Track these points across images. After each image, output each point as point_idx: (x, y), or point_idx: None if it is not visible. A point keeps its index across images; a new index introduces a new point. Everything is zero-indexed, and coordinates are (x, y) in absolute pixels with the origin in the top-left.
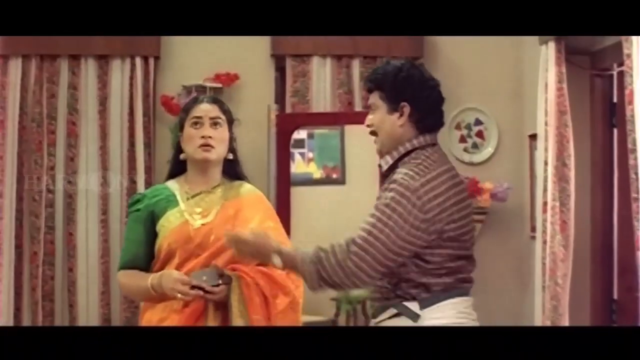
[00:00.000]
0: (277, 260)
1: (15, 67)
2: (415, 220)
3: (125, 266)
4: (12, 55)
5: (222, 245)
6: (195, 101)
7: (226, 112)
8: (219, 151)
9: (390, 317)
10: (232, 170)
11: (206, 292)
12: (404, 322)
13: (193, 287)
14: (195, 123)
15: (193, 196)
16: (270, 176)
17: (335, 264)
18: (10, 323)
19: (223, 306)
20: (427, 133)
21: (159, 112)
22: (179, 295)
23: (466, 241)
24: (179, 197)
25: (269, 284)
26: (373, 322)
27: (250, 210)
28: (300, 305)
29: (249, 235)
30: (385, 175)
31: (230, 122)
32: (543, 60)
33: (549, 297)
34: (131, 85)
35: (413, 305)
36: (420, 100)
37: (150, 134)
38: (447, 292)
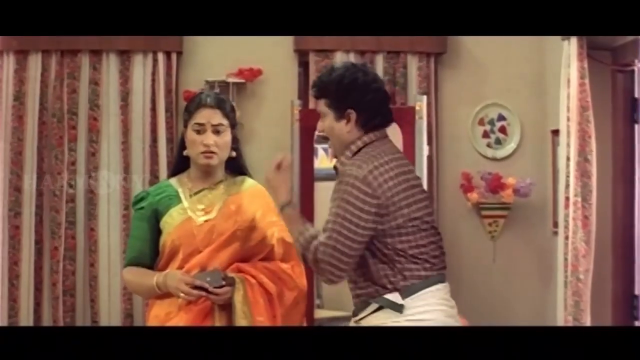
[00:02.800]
0: (286, 209)
1: (34, 62)
2: (371, 207)
3: (130, 263)
4: (32, 50)
5: (224, 241)
6: (199, 103)
7: (229, 116)
8: (221, 156)
9: (372, 312)
10: (235, 166)
11: (209, 292)
12: (386, 314)
13: (196, 287)
14: (198, 130)
15: (196, 193)
16: (293, 171)
17: (312, 261)
18: (30, 318)
19: (228, 307)
20: (374, 131)
21: (182, 108)
22: (182, 295)
23: (429, 227)
24: (182, 195)
25: (273, 282)
26: (353, 321)
27: (252, 204)
28: (305, 295)
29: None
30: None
31: (233, 125)
32: (565, 55)
33: (570, 292)
34: (153, 80)
35: (394, 297)
36: (364, 104)
37: (173, 130)
38: (426, 280)
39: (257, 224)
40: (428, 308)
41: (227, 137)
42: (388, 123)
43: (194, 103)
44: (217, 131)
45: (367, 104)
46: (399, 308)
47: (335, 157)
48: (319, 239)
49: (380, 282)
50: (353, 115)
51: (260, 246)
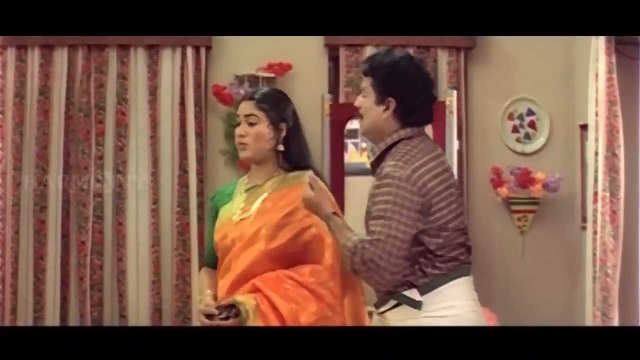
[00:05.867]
0: (332, 219)
1: (60, 57)
2: (417, 205)
3: (205, 263)
4: (58, 45)
5: (247, 240)
6: (243, 99)
7: (263, 108)
8: (255, 147)
9: (391, 308)
10: (289, 162)
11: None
12: (405, 311)
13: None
14: (238, 122)
15: (247, 190)
16: (324, 166)
17: (359, 264)
18: (57, 312)
19: None
20: (412, 126)
21: (211, 102)
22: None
23: (461, 229)
24: (236, 192)
25: (292, 298)
26: (376, 312)
27: (290, 201)
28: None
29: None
30: (373, 166)
31: (277, 118)
32: (593, 50)
33: (599, 287)
34: (182, 75)
35: (412, 293)
36: (407, 98)
37: (202, 124)
38: (445, 276)
39: (289, 221)
40: (448, 304)
41: (259, 128)
42: (428, 122)
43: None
44: (249, 122)
45: (410, 98)
46: (417, 305)
47: (364, 135)
48: (367, 241)
49: (399, 282)
50: (392, 104)
51: (291, 244)
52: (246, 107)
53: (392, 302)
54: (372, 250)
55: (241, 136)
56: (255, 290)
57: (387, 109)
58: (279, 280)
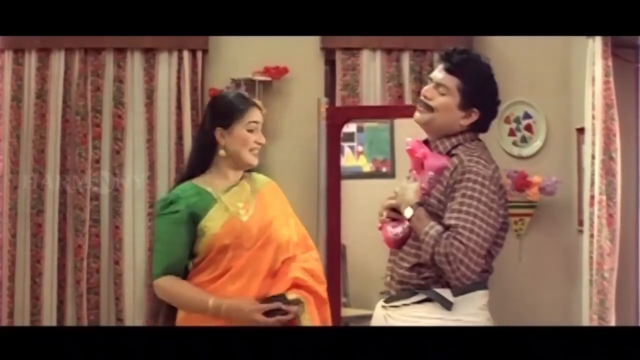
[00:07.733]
0: (409, 212)
1: (57, 60)
2: (496, 205)
3: (168, 271)
4: (55, 48)
5: (268, 237)
6: (247, 102)
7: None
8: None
9: (416, 303)
10: None
11: (284, 314)
12: (430, 308)
13: (268, 312)
14: (251, 129)
15: (225, 191)
16: (320, 169)
17: (443, 254)
18: (54, 316)
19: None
20: (475, 131)
21: None
22: (259, 323)
23: (503, 237)
24: (214, 194)
25: (318, 283)
26: (382, 306)
27: (276, 199)
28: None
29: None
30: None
31: None
32: (590, 53)
33: (595, 291)
34: (179, 78)
35: (446, 292)
36: (489, 113)
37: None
38: (477, 284)
39: (287, 212)
40: (474, 310)
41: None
42: (484, 132)
43: (242, 102)
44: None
45: (491, 113)
46: (448, 305)
47: (425, 127)
48: (451, 232)
49: (434, 279)
50: (475, 115)
51: (297, 232)
52: (261, 116)
53: (419, 297)
54: (456, 245)
55: (259, 144)
56: (298, 286)
57: (468, 117)
58: (306, 272)
